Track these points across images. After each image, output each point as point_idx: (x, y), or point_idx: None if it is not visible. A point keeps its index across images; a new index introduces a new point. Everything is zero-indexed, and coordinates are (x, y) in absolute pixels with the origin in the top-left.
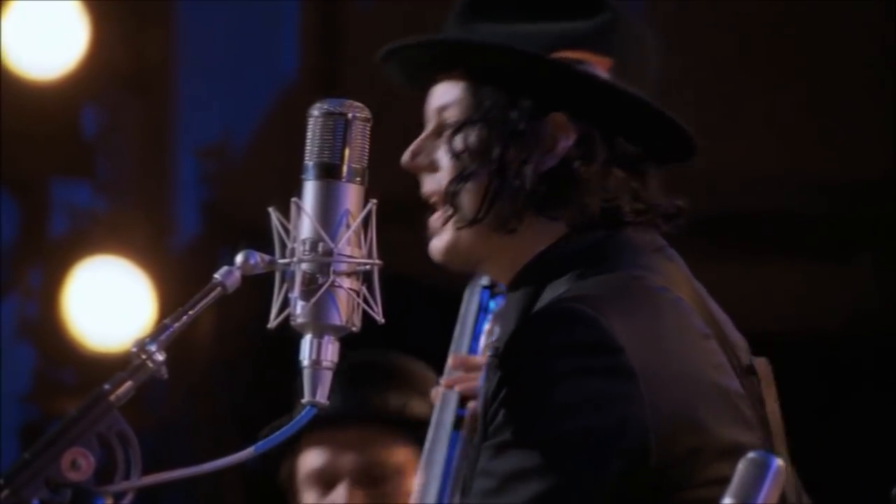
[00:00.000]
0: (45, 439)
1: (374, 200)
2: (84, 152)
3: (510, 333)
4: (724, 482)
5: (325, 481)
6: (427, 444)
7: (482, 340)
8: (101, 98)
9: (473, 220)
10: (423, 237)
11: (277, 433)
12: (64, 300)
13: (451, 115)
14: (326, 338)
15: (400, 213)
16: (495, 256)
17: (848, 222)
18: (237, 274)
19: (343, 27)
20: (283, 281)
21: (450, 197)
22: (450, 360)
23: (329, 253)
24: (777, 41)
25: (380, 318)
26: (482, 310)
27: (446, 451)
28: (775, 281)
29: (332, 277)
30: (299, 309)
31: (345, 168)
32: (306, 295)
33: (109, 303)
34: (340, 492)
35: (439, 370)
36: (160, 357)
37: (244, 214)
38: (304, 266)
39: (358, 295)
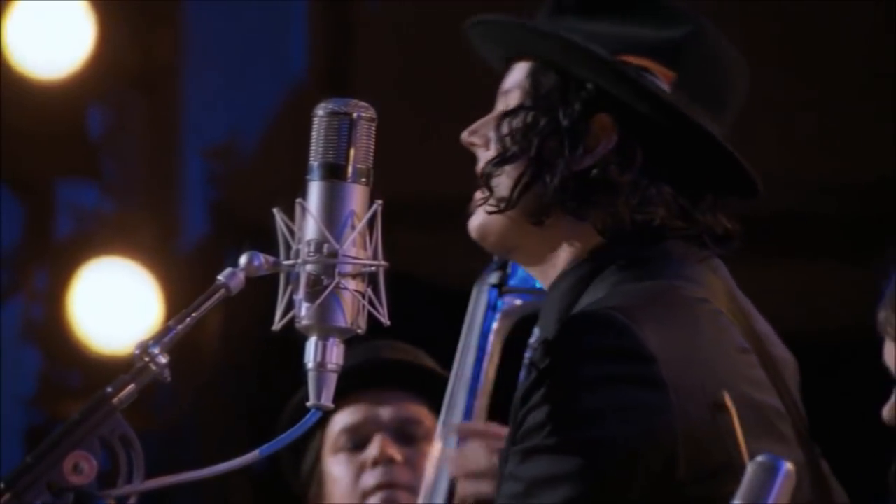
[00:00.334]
0: (47, 443)
1: (380, 201)
2: (90, 153)
3: (544, 337)
4: None
5: (359, 438)
6: None
7: (490, 339)
8: (107, 98)
9: (503, 206)
10: (432, 239)
11: (282, 436)
12: (70, 302)
13: (512, 99)
14: (331, 340)
15: (408, 214)
16: (526, 246)
17: (858, 222)
18: (241, 276)
19: (352, 27)
20: (287, 283)
21: (484, 178)
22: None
23: (334, 254)
24: (782, 41)
25: (385, 320)
26: (490, 308)
27: None
28: (783, 281)
29: (337, 279)
30: (304, 311)
31: (350, 168)
32: (311, 297)
33: (116, 305)
34: (375, 444)
35: (447, 369)
36: (163, 359)
37: (252, 215)
38: (309, 267)
39: (363, 296)
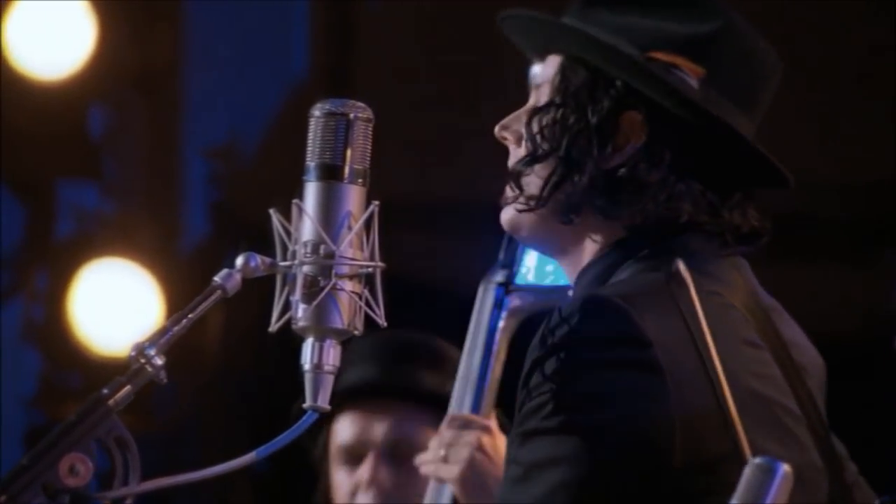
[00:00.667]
0: (43, 444)
1: (376, 202)
2: (90, 153)
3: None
4: None
5: (355, 454)
6: None
7: (496, 337)
8: (108, 98)
9: (532, 205)
10: (433, 239)
11: (279, 438)
12: (70, 303)
13: (543, 94)
14: (328, 341)
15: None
16: (556, 241)
17: (864, 223)
18: (237, 277)
19: (354, 26)
20: (284, 284)
21: (515, 177)
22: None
23: (331, 255)
24: (782, 41)
25: (382, 322)
26: (496, 306)
27: None
28: (790, 283)
29: (333, 280)
30: (301, 312)
31: (346, 169)
32: (308, 298)
33: (116, 306)
34: (366, 465)
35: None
36: (159, 361)
37: (252, 216)
38: (306, 269)
39: (360, 298)
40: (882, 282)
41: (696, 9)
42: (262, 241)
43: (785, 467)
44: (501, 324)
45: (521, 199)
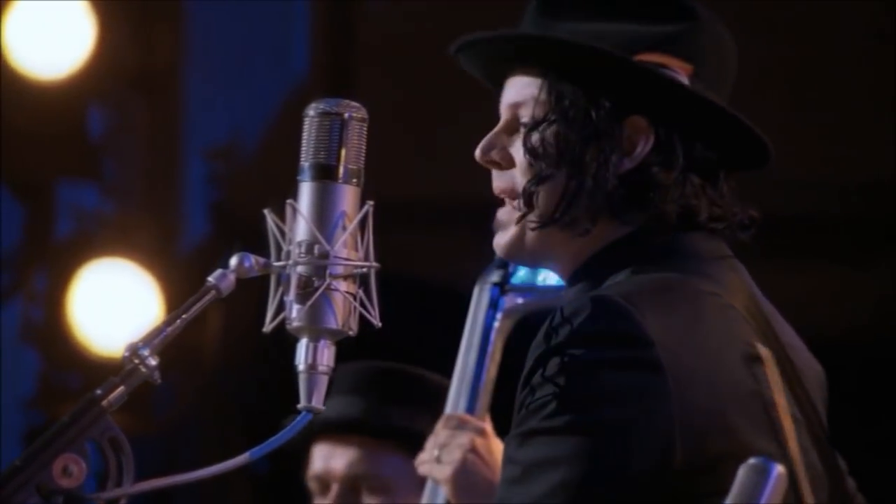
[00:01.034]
0: (36, 445)
1: (371, 202)
2: (90, 153)
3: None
4: None
5: (323, 484)
6: None
7: (492, 338)
8: (107, 98)
9: (549, 220)
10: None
11: (272, 439)
12: (69, 304)
13: (528, 113)
14: (322, 342)
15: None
16: (559, 255)
17: (865, 224)
18: (231, 277)
19: (354, 26)
20: (278, 284)
21: (527, 196)
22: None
23: (325, 255)
24: (783, 41)
25: (377, 322)
26: (491, 307)
27: None
28: (790, 283)
29: (328, 280)
30: (295, 312)
31: (341, 169)
32: (302, 298)
33: (116, 306)
34: (331, 495)
35: (449, 367)
36: (153, 361)
37: (252, 216)
38: (300, 269)
39: (354, 298)
40: (883, 283)
41: (663, 8)
42: (262, 242)
43: (779, 468)
44: (497, 324)
45: (533, 217)
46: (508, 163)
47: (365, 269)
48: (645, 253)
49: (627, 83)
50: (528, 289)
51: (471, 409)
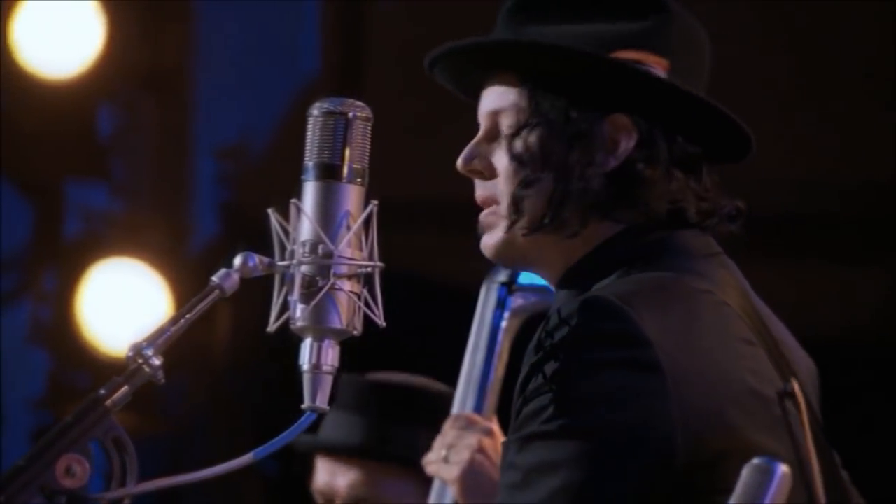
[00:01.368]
0: (39, 445)
1: (375, 201)
2: (99, 153)
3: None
4: None
5: (326, 498)
6: None
7: (499, 337)
8: (117, 98)
9: (539, 225)
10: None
11: (276, 439)
12: (78, 303)
13: (507, 119)
14: (327, 342)
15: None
16: (549, 258)
17: (865, 224)
18: (235, 277)
19: (364, 25)
20: (282, 284)
21: (516, 202)
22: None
23: (329, 255)
24: (782, 41)
25: (381, 322)
26: (499, 306)
27: None
28: (789, 283)
29: (332, 280)
30: (299, 312)
31: (345, 168)
32: (306, 298)
33: (125, 306)
34: None
35: (455, 367)
36: (157, 361)
37: (262, 216)
38: (304, 268)
39: (359, 298)
40: (889, 283)
41: (634, 5)
42: (271, 241)
43: (783, 467)
44: (504, 324)
45: (522, 223)
46: (491, 172)
47: (369, 269)
48: (636, 252)
49: (606, 82)
50: (536, 288)
51: (478, 409)
